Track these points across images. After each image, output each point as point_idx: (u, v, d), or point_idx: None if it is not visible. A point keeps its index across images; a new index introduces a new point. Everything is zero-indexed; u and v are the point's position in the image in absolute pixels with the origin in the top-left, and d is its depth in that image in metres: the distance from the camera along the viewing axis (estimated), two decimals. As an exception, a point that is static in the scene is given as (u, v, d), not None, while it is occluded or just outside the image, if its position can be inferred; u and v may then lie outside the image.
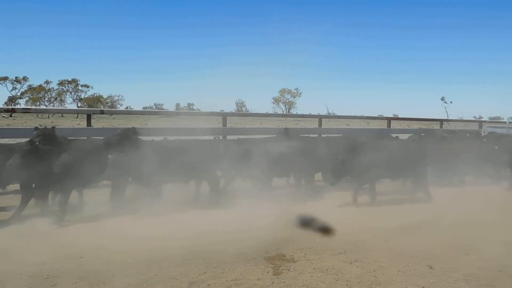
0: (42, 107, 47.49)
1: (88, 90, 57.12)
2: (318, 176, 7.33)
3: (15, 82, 55.39)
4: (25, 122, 28.47)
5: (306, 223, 4.54)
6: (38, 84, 55.62)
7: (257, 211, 5.41)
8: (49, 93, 56.06)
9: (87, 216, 5.26)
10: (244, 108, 60.14)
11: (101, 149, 5.50)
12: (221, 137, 8.29)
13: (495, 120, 20.35)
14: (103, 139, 5.67)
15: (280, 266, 3.83)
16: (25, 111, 9.18)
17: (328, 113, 43.86)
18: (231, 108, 56.76)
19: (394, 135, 8.90)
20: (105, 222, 5.06)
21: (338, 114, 27.96)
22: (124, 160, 5.55)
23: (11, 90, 55.90)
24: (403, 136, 9.27)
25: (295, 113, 50.50)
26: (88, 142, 5.94)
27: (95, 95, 57.07)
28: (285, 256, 4.09)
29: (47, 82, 55.48)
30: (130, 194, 6.06)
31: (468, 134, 9.61)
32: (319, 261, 3.97)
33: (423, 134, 8.70)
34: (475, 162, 7.59)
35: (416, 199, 6.37)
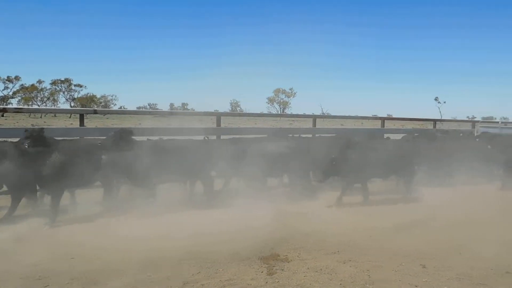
0: (35, 106, 47.12)
1: (81, 90, 56.81)
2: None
3: (7, 82, 54.95)
4: (17, 122, 28.26)
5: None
6: (31, 83, 55.19)
7: (252, 211, 5.42)
8: (41, 92, 55.68)
9: (80, 216, 5.22)
10: (239, 108, 60.16)
11: (93, 149, 5.47)
12: (215, 137, 8.29)
13: (488, 120, 20.54)
14: (99, 142, 5.66)
15: (274, 266, 3.83)
16: (17, 110, 9.09)
17: (323, 113, 43.99)
18: (225, 108, 56.75)
19: (385, 136, 8.95)
20: (98, 223, 5.02)
21: (333, 114, 28.09)
22: (118, 160, 5.52)
23: (3, 90, 55.49)
24: (397, 136, 9.32)
25: (289, 113, 50.62)
26: (79, 142, 5.90)
27: (89, 94, 56.74)
28: (279, 256, 4.09)
29: (39, 82, 55.11)
30: (123, 194, 6.03)
31: (461, 134, 9.68)
32: (313, 260, 3.98)
33: (416, 134, 8.75)
34: (468, 162, 7.64)
35: (410, 199, 6.40)
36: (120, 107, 53.23)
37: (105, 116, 31.73)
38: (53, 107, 48.35)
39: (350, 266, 3.85)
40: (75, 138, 6.70)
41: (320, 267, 3.82)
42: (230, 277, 3.59)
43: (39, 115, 36.71)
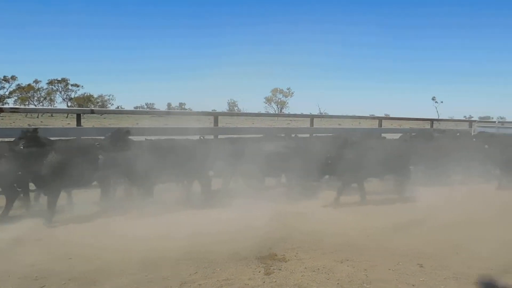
0: (31, 106, 46.96)
1: (78, 90, 56.63)
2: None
3: (3, 81, 54.70)
4: (14, 122, 28.17)
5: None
6: (27, 83, 54.95)
7: (249, 211, 5.42)
8: (38, 92, 55.45)
9: (77, 216, 5.21)
10: (236, 108, 60.13)
11: (88, 149, 5.46)
12: (212, 137, 8.28)
13: (485, 120, 20.61)
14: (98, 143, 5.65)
15: (271, 266, 3.83)
16: (14, 110, 9.03)
17: (320, 113, 44.02)
18: (223, 108, 56.69)
19: (382, 135, 8.97)
20: (96, 223, 5.01)
21: (330, 113, 28.09)
22: (115, 160, 5.51)
23: (-1, 89, 55.19)
24: (394, 136, 9.34)
25: (287, 112, 50.63)
26: (74, 142, 5.88)
27: (86, 94, 56.58)
28: (276, 255, 4.09)
29: (36, 82, 54.87)
30: (121, 194, 6.02)
31: (458, 134, 9.71)
32: (310, 260, 3.98)
33: (414, 134, 8.77)
34: (466, 161, 7.67)
35: (407, 198, 6.41)
36: (118, 107, 53.17)
37: (102, 116, 31.68)
38: (49, 107, 48.13)
39: (348, 266, 3.86)
40: (71, 138, 6.67)
41: (318, 266, 3.83)
42: (228, 277, 3.59)
43: (35, 115, 36.60)
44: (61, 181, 5.08)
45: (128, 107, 57.87)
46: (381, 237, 4.66)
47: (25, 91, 54.81)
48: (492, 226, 5.02)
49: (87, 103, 53.94)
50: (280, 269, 3.76)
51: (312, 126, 10.67)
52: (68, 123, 24.45)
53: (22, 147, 5.01)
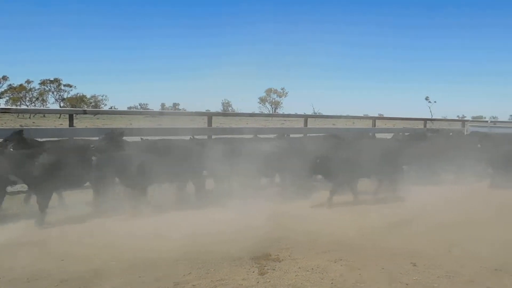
0: (23, 107, 46.52)
1: (71, 90, 56.08)
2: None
3: (-6, 82, 54.04)
4: (5, 123, 27.82)
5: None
6: (19, 83, 54.37)
7: (243, 211, 5.41)
8: (30, 93, 54.88)
9: (69, 218, 5.16)
10: (230, 108, 59.98)
11: (80, 150, 5.43)
12: (206, 137, 8.26)
13: (477, 120, 20.80)
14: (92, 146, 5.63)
15: (265, 266, 3.83)
16: (5, 111, 8.95)
17: (314, 113, 44.10)
18: (217, 108, 56.54)
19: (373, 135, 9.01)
20: (88, 224, 4.97)
21: (324, 113, 28.18)
22: (107, 161, 5.47)
23: (-10, 90, 54.54)
24: (387, 136, 9.39)
25: (281, 112, 50.63)
26: (62, 143, 5.86)
27: (78, 95, 56.11)
28: (270, 255, 4.09)
29: (28, 82, 54.28)
30: (113, 195, 5.97)
31: (451, 133, 9.79)
32: (304, 260, 3.98)
33: (407, 134, 8.82)
34: (458, 161, 7.72)
35: (401, 198, 6.43)
36: (111, 107, 52.73)
37: (95, 116, 31.43)
38: (42, 108, 47.73)
39: (341, 265, 3.86)
40: (60, 138, 6.62)
41: (311, 266, 3.83)
42: (222, 277, 3.58)
43: (27, 115, 36.22)
44: (52, 182, 5.04)
45: (122, 107, 57.52)
46: (374, 237, 4.68)
47: (17, 92, 54.20)
48: (485, 225, 5.05)
49: (80, 103, 53.49)
50: (274, 269, 3.76)
51: (306, 126, 10.70)
52: (61, 124, 24.22)
53: (11, 149, 4.97)
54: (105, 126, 14.56)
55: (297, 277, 3.60)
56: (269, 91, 64.44)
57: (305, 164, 6.22)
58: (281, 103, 64.89)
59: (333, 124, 20.80)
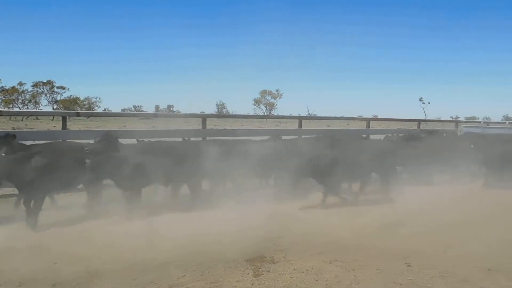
0: (15, 109, 46.13)
1: (64, 92, 55.69)
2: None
3: (-14, 84, 53.49)
4: (-2, 125, 27.59)
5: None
6: (11, 85, 53.89)
7: (238, 212, 5.40)
8: (22, 95, 54.41)
9: (62, 220, 5.12)
10: (225, 110, 59.94)
11: (71, 153, 5.40)
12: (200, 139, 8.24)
13: (471, 120, 20.96)
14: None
15: (260, 268, 3.82)
16: (-3, 113, 8.89)
17: (309, 114, 44.20)
18: (211, 110, 56.43)
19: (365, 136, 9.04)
20: (81, 227, 4.92)
21: (319, 115, 28.26)
22: (100, 163, 5.44)
23: (-18, 92, 53.98)
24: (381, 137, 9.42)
25: (275, 114, 50.71)
26: (50, 147, 5.82)
27: (72, 97, 55.74)
28: (265, 257, 4.08)
29: (20, 84, 53.82)
30: (107, 197, 5.94)
31: (444, 134, 9.84)
32: (299, 261, 3.98)
33: (401, 135, 8.86)
34: (452, 161, 7.76)
35: (394, 198, 6.44)
36: (105, 109, 52.47)
37: (89, 118, 31.28)
38: (34, 110, 47.38)
39: (336, 266, 3.86)
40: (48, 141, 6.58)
41: (306, 267, 3.82)
42: (216, 279, 3.57)
43: (20, 117, 35.94)
44: (45, 186, 5.00)
45: (116, 109, 57.33)
46: (369, 237, 4.68)
47: (9, 94, 53.75)
48: (480, 225, 5.07)
49: (73, 105, 53.16)
50: (268, 271, 3.75)
51: (301, 127, 10.71)
52: (54, 126, 24.07)
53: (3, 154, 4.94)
54: (99, 129, 14.53)
55: (291, 278, 3.60)
56: (263, 92, 64.49)
57: (297, 166, 6.21)
58: (276, 104, 64.97)
59: (328, 126, 20.86)
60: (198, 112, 10.20)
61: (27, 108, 52.20)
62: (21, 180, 4.92)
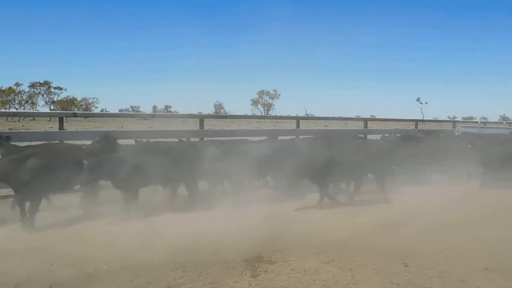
0: (12, 110, 45.95)
1: (62, 93, 55.49)
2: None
3: (-18, 85, 53.19)
4: (-5, 126, 27.50)
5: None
6: (8, 86, 53.64)
7: (235, 213, 5.40)
8: (19, 95, 54.18)
9: (58, 221, 5.10)
10: (223, 110, 59.91)
11: (66, 154, 5.40)
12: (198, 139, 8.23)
13: (468, 121, 21.01)
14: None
15: (257, 268, 3.82)
16: (-6, 114, 8.87)
17: (307, 115, 44.24)
18: (209, 110, 56.41)
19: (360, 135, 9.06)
20: (78, 228, 4.91)
21: (316, 115, 28.24)
22: (98, 164, 5.42)
23: (-21, 93, 53.69)
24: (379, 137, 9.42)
25: (273, 114, 50.68)
26: (51, 147, 5.80)
27: (69, 97, 55.55)
28: (262, 257, 4.07)
29: (17, 85, 53.58)
30: (104, 198, 5.93)
31: (442, 134, 9.87)
32: (296, 262, 3.98)
33: (398, 135, 8.87)
34: (449, 161, 7.77)
35: (391, 199, 6.45)
36: (102, 110, 52.40)
37: (86, 119, 31.21)
38: (31, 111, 47.21)
39: (334, 266, 3.87)
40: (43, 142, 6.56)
41: (304, 268, 3.82)
42: (213, 280, 3.56)
43: (17, 118, 35.82)
44: (40, 187, 4.99)
45: (113, 110, 57.12)
46: (366, 238, 4.69)
47: (6, 94, 53.52)
48: (475, 224, 5.09)
49: (70, 106, 52.98)
50: (266, 271, 3.75)
51: (298, 128, 10.72)
52: (51, 127, 24.01)
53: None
54: (96, 129, 14.51)
55: (289, 279, 3.60)
56: (261, 93, 64.51)
57: (292, 166, 6.21)
58: (274, 105, 64.99)
59: (326, 126, 20.89)
60: (196, 112, 10.17)
61: (24, 109, 52.00)
62: (16, 181, 4.91)
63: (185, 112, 10.04)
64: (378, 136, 9.66)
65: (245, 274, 3.68)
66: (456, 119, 18.04)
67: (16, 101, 53.40)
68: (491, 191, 7.11)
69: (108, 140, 5.98)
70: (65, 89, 55.33)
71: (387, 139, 8.69)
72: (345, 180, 6.76)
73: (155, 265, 3.84)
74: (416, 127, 13.47)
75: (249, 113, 51.22)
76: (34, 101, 54.50)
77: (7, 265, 3.78)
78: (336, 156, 6.41)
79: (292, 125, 12.28)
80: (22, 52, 79.77)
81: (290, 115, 15.01)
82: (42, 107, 54.47)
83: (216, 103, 60.67)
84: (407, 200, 6.35)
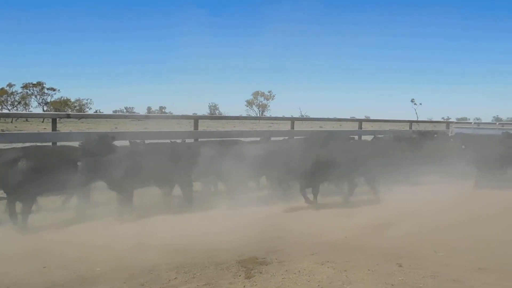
0: (5, 111, 45.59)
1: (55, 94, 55.11)
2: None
3: (-26, 86, 52.63)
4: (-13, 127, 27.25)
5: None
6: (0, 87, 53.15)
7: (229, 214, 5.39)
8: (12, 96, 53.71)
9: (52, 223, 5.06)
10: (217, 111, 59.87)
11: (60, 156, 5.37)
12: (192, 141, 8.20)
13: (462, 121, 21.17)
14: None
15: (252, 269, 3.80)
16: (-14, 115, 8.79)
17: (301, 116, 44.34)
18: (204, 111, 56.32)
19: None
20: (71, 230, 4.87)
21: (311, 116, 28.33)
22: (92, 165, 5.39)
23: (-29, 94, 53.12)
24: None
25: (268, 115, 50.75)
26: (46, 149, 5.77)
27: (62, 98, 55.17)
28: (257, 259, 4.07)
29: (10, 85, 53.12)
30: (97, 199, 5.89)
31: (435, 135, 9.92)
32: (291, 263, 3.97)
33: (392, 135, 8.90)
34: (443, 161, 7.81)
35: (386, 199, 6.47)
36: (96, 111, 52.09)
37: (80, 120, 31.04)
38: (24, 111, 46.84)
39: (328, 267, 3.87)
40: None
41: (298, 269, 3.82)
42: (208, 281, 3.55)
43: (9, 119, 35.53)
44: (34, 188, 4.95)
45: (107, 111, 56.70)
46: (360, 238, 4.70)
47: (-2, 95, 53.03)
48: (468, 224, 5.12)
49: (64, 107, 52.59)
50: (261, 273, 3.74)
51: (293, 128, 10.72)
52: (44, 128, 23.87)
53: None
54: (90, 130, 14.42)
55: (284, 280, 3.59)
56: (256, 94, 64.53)
57: (283, 167, 6.21)
58: (268, 106, 65.04)
59: (320, 127, 20.95)
60: (190, 113, 10.14)
61: (17, 109, 51.56)
62: (5, 184, 4.86)
63: (180, 113, 10.01)
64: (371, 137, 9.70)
65: (240, 276, 3.67)
66: (450, 120, 18.13)
67: (9, 102, 52.97)
68: (485, 191, 7.15)
69: (104, 141, 5.93)
70: (59, 90, 55.01)
71: (380, 139, 8.72)
72: (336, 181, 6.75)
73: (149, 267, 3.82)
74: (411, 128, 13.52)
75: (244, 114, 51.17)
76: (27, 102, 54.11)
77: (1, 267, 3.74)
78: (326, 156, 6.40)
79: (287, 126, 12.28)
80: (14, 53, 79.28)
81: (285, 116, 15.03)
82: (35, 108, 54.06)
83: (211, 104, 60.62)
84: (401, 200, 6.37)
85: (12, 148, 5.53)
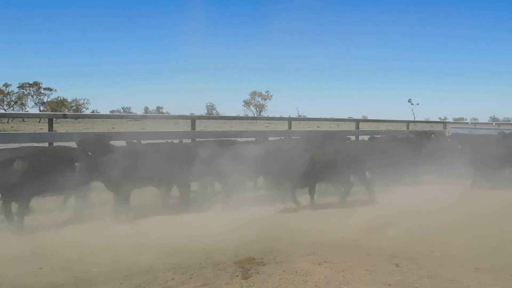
0: (1, 111, 45.36)
1: (51, 94, 54.86)
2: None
3: (-30, 86, 52.35)
4: (-17, 127, 27.13)
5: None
6: (-4, 87, 52.82)
7: (226, 214, 5.38)
8: (8, 96, 53.44)
9: (48, 224, 5.04)
10: (215, 111, 59.80)
11: (54, 157, 5.35)
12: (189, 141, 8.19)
13: (458, 122, 21.24)
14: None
15: (249, 270, 3.80)
16: (-18, 115, 8.75)
17: (299, 116, 44.32)
18: (201, 111, 56.25)
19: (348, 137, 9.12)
20: (67, 231, 4.85)
21: (309, 116, 28.35)
22: (90, 166, 5.37)
23: (-34, 94, 52.85)
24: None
25: (265, 115, 50.75)
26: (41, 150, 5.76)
27: (59, 98, 54.93)
28: (254, 259, 4.06)
29: (6, 85, 52.82)
30: (94, 200, 5.87)
31: (432, 135, 9.95)
32: (288, 263, 3.97)
33: (389, 135, 8.94)
34: (440, 162, 7.83)
35: (383, 200, 6.48)
36: (93, 111, 51.91)
37: (77, 120, 30.94)
38: (21, 112, 46.63)
39: (325, 267, 3.86)
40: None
41: (296, 269, 3.81)
42: (205, 281, 3.54)
43: (6, 119, 35.37)
44: (29, 189, 4.92)
45: (104, 111, 56.48)
46: (358, 238, 4.71)
47: (-6, 95, 52.74)
48: (465, 224, 5.14)
49: (60, 107, 52.37)
50: (258, 273, 3.73)
51: (290, 129, 10.72)
52: (41, 128, 23.78)
53: None
54: (87, 130, 14.38)
55: (281, 280, 3.59)
56: (253, 94, 64.48)
57: (278, 168, 6.21)
58: (266, 106, 64.99)
59: (318, 127, 20.95)
60: (187, 113, 10.10)
61: (13, 110, 51.29)
62: (0, 185, 4.85)
63: (177, 113, 9.97)
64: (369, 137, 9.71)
65: (237, 276, 3.67)
66: (447, 120, 18.18)
67: (5, 102, 52.68)
68: (482, 191, 7.18)
69: (102, 142, 5.92)
70: (55, 90, 54.74)
71: (376, 139, 8.74)
72: (330, 181, 6.74)
73: (146, 267, 3.81)
74: (408, 128, 13.55)
75: (241, 114, 51.14)
76: (24, 102, 53.84)
77: (-5, 269, 3.72)
78: (321, 157, 6.40)
79: (284, 126, 12.28)
80: (11, 53, 78.91)
81: (283, 116, 15.03)
82: (31, 108, 53.79)
83: (208, 104, 60.51)
84: (399, 200, 6.39)
85: (6, 148, 5.51)
